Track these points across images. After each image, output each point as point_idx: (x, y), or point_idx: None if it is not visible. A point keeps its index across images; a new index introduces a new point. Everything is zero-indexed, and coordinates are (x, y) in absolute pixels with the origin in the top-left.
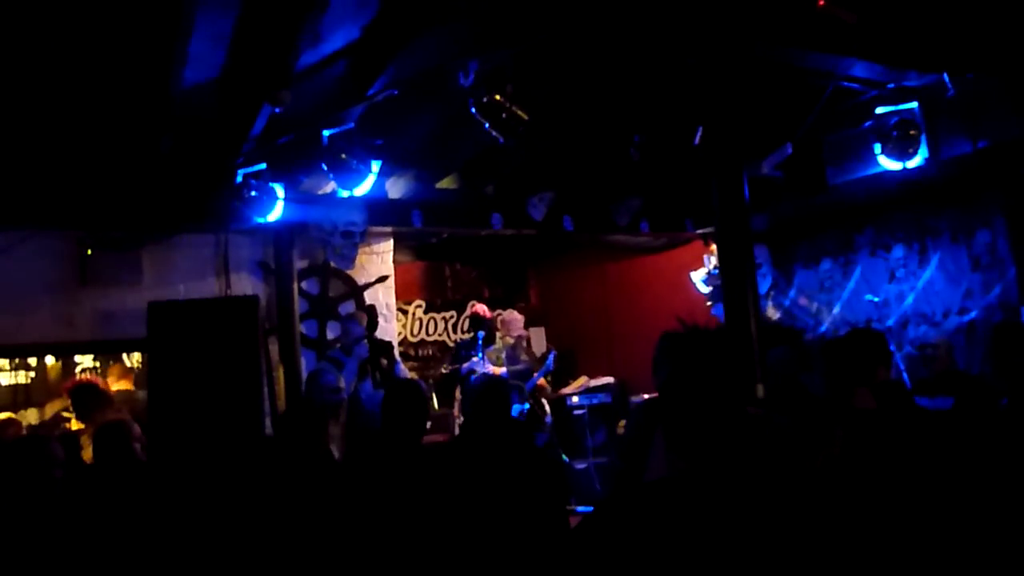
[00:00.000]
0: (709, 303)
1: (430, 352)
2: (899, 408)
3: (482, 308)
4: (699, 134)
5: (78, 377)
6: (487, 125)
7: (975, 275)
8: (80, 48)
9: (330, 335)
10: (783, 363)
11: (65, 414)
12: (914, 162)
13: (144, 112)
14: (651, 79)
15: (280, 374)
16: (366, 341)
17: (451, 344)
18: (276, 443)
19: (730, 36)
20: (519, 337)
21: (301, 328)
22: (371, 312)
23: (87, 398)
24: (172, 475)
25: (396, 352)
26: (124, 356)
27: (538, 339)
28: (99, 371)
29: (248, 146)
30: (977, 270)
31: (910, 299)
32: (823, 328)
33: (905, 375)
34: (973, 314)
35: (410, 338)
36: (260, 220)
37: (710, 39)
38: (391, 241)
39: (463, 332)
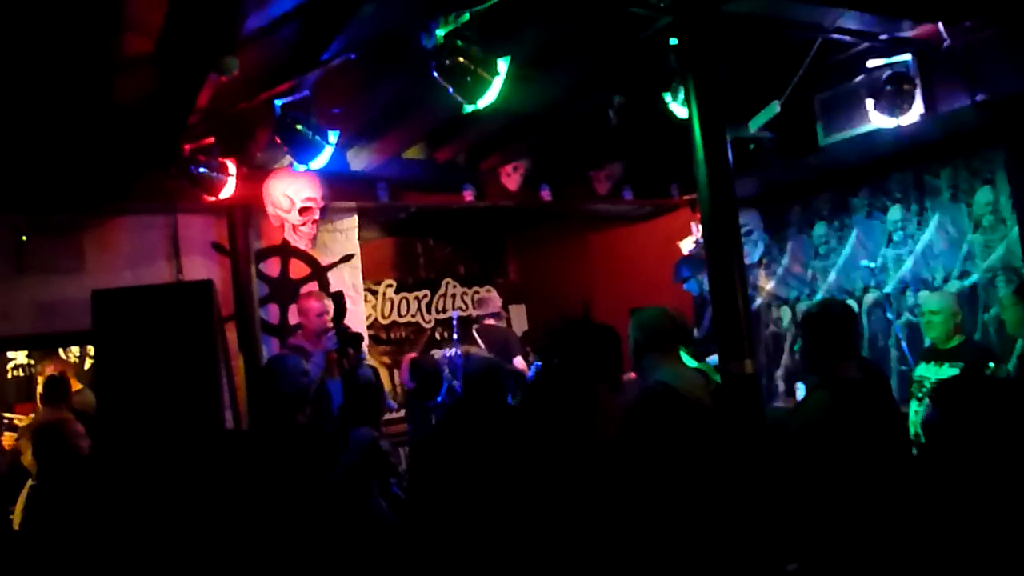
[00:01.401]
0: (681, 280)
1: (403, 334)
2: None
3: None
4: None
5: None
6: (451, 90)
7: (976, 236)
8: (6, 15)
9: (292, 320)
10: None
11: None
12: (909, 118)
13: (79, 84)
14: (627, 36)
15: (240, 363)
16: (334, 332)
17: (425, 326)
18: (238, 437)
19: None
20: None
21: (261, 313)
22: (339, 299)
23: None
24: (126, 474)
25: (365, 345)
26: (60, 350)
27: (519, 317)
28: (34, 368)
29: (194, 118)
30: (978, 231)
31: (908, 263)
32: (818, 297)
33: (904, 344)
34: (974, 277)
35: (381, 320)
36: (211, 198)
37: None
38: (355, 217)
39: (438, 312)
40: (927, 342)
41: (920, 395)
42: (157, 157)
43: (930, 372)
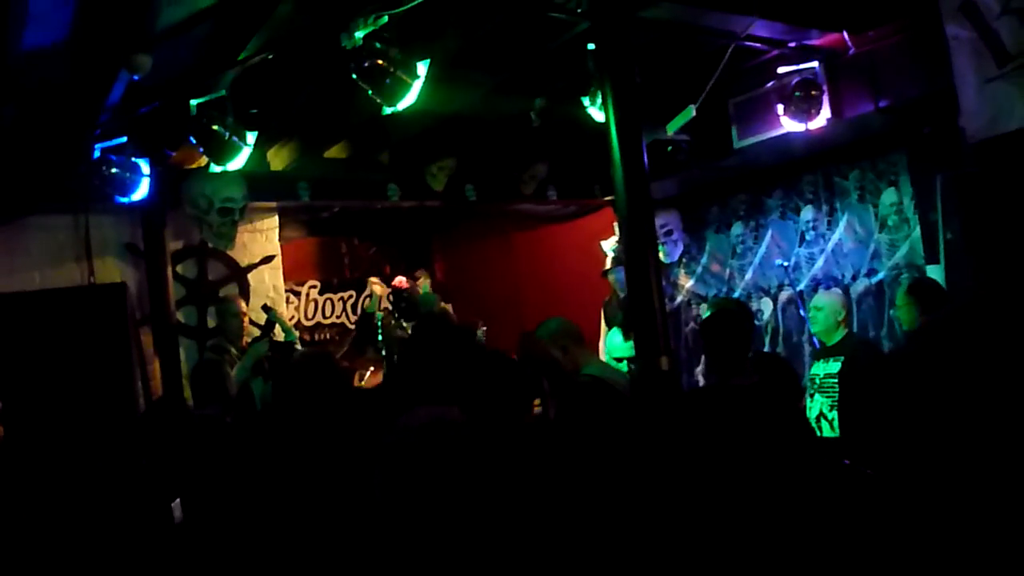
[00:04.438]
0: (606, 271)
1: (327, 335)
2: (779, 380)
3: (400, 280)
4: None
5: None
6: (370, 92)
7: (882, 236)
8: None
9: (211, 323)
10: None
11: None
12: (817, 123)
13: None
14: (546, 40)
15: (156, 368)
16: (268, 339)
17: (350, 327)
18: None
19: None
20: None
21: (178, 315)
22: (269, 312)
23: None
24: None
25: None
26: None
27: None
28: None
29: (105, 117)
30: (884, 231)
31: (820, 262)
32: (735, 295)
33: (816, 340)
34: (880, 275)
35: (304, 322)
36: (124, 199)
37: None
38: (276, 217)
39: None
40: (815, 338)
41: (811, 391)
42: (66, 155)
43: (819, 369)
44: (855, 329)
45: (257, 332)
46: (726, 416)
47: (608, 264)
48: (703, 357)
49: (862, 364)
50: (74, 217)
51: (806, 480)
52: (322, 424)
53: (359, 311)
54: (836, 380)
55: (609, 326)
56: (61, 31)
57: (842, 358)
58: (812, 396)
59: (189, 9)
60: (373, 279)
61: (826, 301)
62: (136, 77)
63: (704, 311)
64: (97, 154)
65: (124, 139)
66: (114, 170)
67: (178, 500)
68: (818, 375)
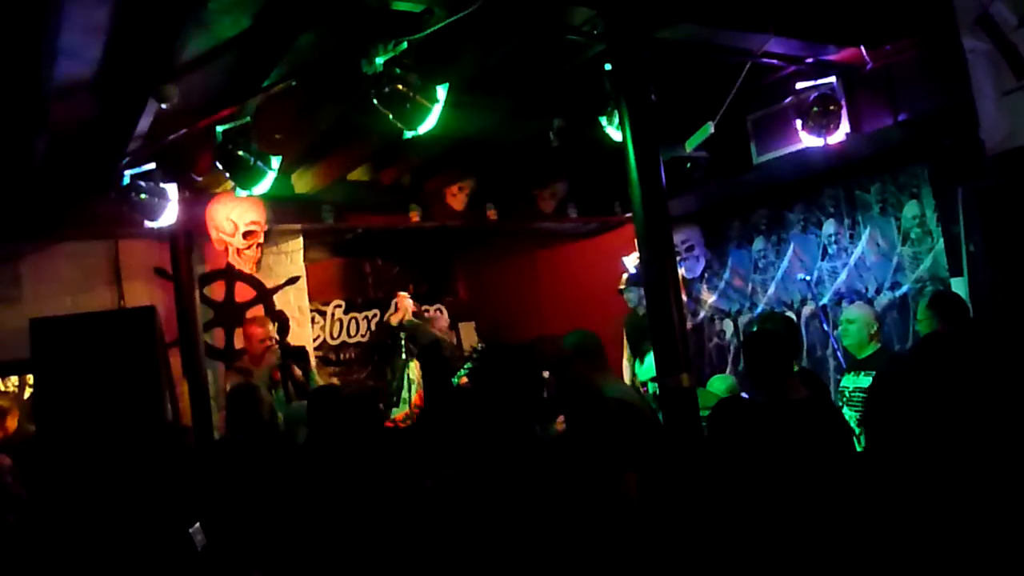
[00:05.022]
0: (621, 289)
1: (352, 355)
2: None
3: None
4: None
5: None
6: (391, 116)
7: (905, 248)
8: None
9: (238, 344)
10: None
11: None
12: (836, 137)
13: (11, 111)
14: (563, 62)
15: (184, 389)
16: (277, 347)
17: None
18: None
19: (643, 16)
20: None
21: (206, 338)
22: (280, 318)
23: None
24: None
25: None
26: None
27: (468, 334)
28: None
29: (134, 145)
30: (906, 244)
31: (843, 276)
32: (758, 310)
33: (840, 354)
34: (904, 288)
35: (330, 341)
36: (152, 224)
37: (621, 20)
38: (300, 239)
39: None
40: (839, 352)
41: (840, 404)
42: (96, 183)
43: (849, 382)
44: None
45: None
46: (791, 430)
47: (622, 283)
48: (726, 372)
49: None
50: (104, 242)
51: (854, 491)
52: (360, 459)
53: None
54: (865, 394)
55: (629, 342)
56: (91, 64)
57: (873, 372)
58: (841, 409)
59: (215, 39)
60: (402, 294)
61: (858, 314)
62: (164, 106)
63: (726, 326)
64: (126, 181)
65: (152, 165)
66: (143, 196)
67: (198, 524)
68: (847, 388)
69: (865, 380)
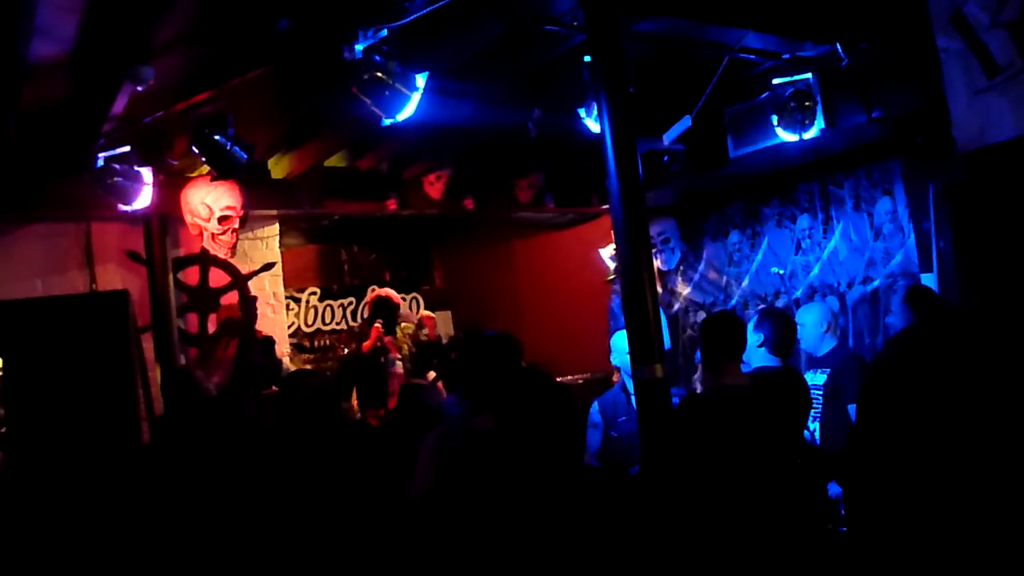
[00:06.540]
0: (610, 279)
1: (327, 342)
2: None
3: (389, 292)
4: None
5: None
6: (370, 104)
7: (877, 244)
8: None
9: (212, 329)
10: None
11: None
12: (810, 133)
13: None
14: (543, 52)
15: (156, 374)
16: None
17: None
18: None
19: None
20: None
21: (179, 323)
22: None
23: None
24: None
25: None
26: None
27: (444, 323)
28: None
29: (109, 127)
30: (879, 239)
31: (816, 270)
32: (732, 303)
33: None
34: (876, 283)
35: (304, 328)
36: (126, 207)
37: (601, 10)
38: (276, 225)
39: (363, 319)
40: (802, 349)
41: None
42: (70, 164)
43: (808, 379)
44: (851, 336)
45: None
46: (718, 416)
47: (611, 274)
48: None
49: (843, 376)
50: (77, 225)
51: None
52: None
53: (358, 318)
54: (821, 392)
55: None
56: (66, 44)
57: (828, 370)
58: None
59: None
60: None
61: (807, 316)
62: (139, 87)
63: (700, 318)
64: (100, 163)
65: (127, 148)
66: (117, 179)
67: None
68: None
69: (820, 378)
